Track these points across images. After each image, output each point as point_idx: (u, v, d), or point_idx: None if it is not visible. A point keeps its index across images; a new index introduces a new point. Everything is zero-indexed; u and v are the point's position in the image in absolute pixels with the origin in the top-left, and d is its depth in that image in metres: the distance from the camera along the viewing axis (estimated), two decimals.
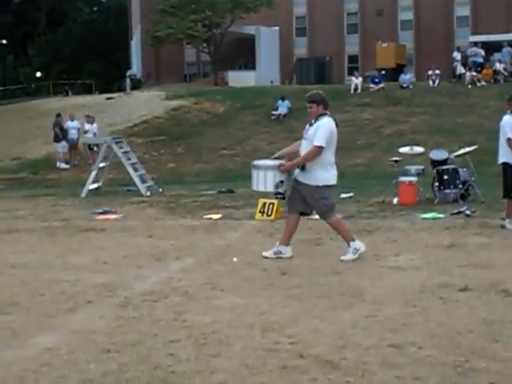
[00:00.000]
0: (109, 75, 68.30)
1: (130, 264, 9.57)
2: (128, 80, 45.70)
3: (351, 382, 5.02)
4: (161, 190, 19.66)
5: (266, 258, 9.47)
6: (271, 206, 13.35)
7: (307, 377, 5.13)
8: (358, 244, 9.42)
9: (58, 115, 29.98)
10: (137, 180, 19.37)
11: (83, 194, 19.28)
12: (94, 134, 27.17)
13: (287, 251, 9.59)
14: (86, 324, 6.70)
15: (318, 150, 9.01)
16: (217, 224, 13.15)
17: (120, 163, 20.27)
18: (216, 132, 31.78)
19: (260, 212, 13.42)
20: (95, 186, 19.96)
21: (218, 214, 14.29)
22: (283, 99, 32.91)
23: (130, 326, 6.57)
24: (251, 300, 7.37)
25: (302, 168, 9.19)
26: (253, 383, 5.05)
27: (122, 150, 19.73)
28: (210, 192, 19.10)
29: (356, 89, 36.26)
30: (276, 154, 9.64)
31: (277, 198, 10.01)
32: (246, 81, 47.02)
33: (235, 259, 9.33)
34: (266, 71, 52.62)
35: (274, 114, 32.62)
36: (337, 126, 9.31)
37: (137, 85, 48.72)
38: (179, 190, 20.07)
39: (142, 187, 19.18)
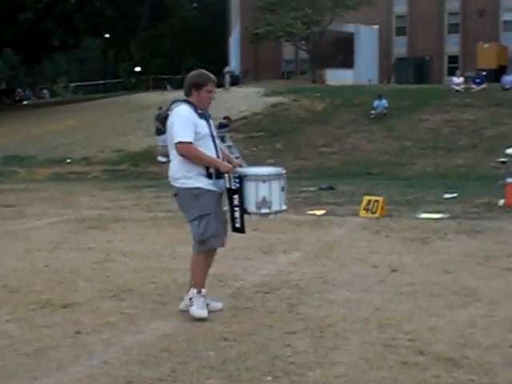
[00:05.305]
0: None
1: (238, 256, 9.62)
2: (227, 76, 45.94)
3: (475, 380, 4.93)
4: None
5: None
6: (376, 203, 13.24)
7: (429, 373, 5.05)
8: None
9: (160, 108, 30.37)
10: None
11: None
12: None
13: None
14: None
15: None
16: (321, 220, 13.10)
17: None
18: (315, 129, 31.69)
19: (364, 209, 13.32)
20: None
21: (321, 210, 14.25)
22: (380, 98, 32.57)
23: (245, 316, 6.61)
24: (364, 295, 7.32)
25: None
26: (374, 377, 5.01)
27: (225, 145, 19.92)
28: (311, 188, 19.06)
29: (458, 89, 35.48)
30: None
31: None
32: (344, 79, 46.82)
33: None
34: (364, 70, 52.41)
35: (372, 113, 32.32)
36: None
37: (235, 81, 48.95)
38: None
39: None
